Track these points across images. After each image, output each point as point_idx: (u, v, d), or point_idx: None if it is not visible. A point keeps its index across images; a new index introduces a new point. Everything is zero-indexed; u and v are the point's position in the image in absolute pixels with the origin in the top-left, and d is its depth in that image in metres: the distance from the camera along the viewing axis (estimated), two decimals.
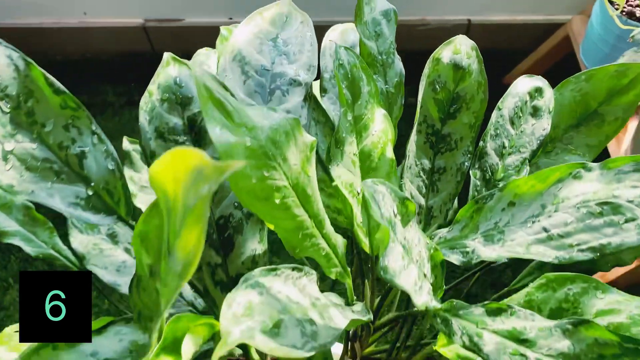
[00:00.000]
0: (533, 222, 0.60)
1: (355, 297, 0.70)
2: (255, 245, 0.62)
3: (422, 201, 0.78)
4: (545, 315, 0.68)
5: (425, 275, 0.62)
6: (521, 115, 0.76)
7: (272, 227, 0.59)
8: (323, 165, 0.75)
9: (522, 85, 0.76)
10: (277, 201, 0.56)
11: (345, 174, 0.73)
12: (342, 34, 0.98)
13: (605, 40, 1.28)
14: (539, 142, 0.76)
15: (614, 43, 1.26)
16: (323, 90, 0.83)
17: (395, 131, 0.84)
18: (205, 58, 0.76)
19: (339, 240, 0.64)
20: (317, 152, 0.75)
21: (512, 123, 0.76)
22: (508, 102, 0.75)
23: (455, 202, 0.80)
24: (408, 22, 1.69)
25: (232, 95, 0.53)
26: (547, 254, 0.57)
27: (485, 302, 0.63)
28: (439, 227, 0.78)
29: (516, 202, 0.63)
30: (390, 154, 0.76)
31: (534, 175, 0.62)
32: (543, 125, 0.76)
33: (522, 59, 1.72)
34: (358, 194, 0.75)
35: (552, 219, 0.59)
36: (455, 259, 0.65)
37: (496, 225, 0.64)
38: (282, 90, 0.69)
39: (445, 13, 1.70)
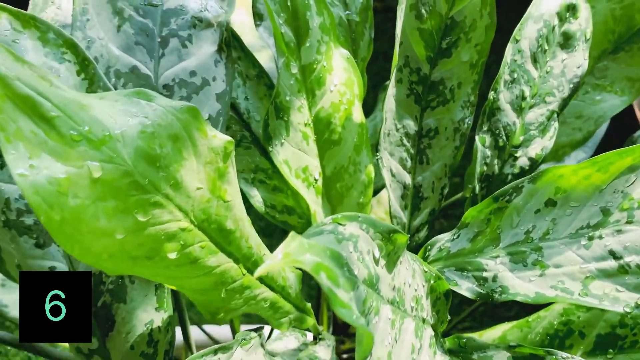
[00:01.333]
0: (590, 237, 0.38)
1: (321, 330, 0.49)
2: (152, 315, 0.39)
3: (407, 179, 0.55)
4: (591, 341, 0.48)
5: (424, 321, 0.40)
6: (547, 47, 0.51)
7: (173, 287, 0.36)
8: (259, 147, 0.50)
9: (549, 2, 0.51)
10: (173, 256, 0.32)
11: (294, 156, 0.49)
12: None
13: None
14: (572, 86, 0.52)
15: None
16: (258, 16, 0.56)
17: (364, 79, 0.59)
18: None
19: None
20: (248, 127, 0.50)
21: (535, 60, 0.51)
22: (528, 30, 0.51)
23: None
24: None
25: (55, 85, 0.27)
26: (622, 298, 0.35)
27: (511, 344, 0.42)
28: (431, 213, 0.56)
29: (559, 201, 0.40)
30: (358, 116, 0.52)
31: (589, 161, 0.39)
32: (577, 61, 0.52)
33: None
34: (316, 180, 0.51)
35: (625, 236, 0.37)
36: (467, 288, 0.43)
37: (528, 237, 0.41)
38: (181, 38, 0.43)
39: None
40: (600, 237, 0.38)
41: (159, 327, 0.38)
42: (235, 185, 0.34)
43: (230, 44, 0.44)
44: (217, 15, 0.44)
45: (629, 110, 0.88)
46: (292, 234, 0.25)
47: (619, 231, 0.37)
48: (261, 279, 0.38)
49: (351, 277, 0.29)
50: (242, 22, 0.75)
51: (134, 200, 0.29)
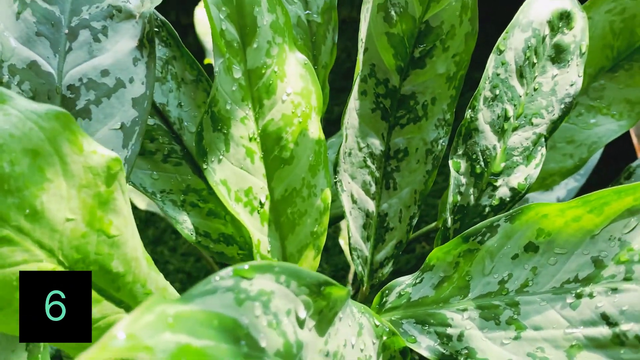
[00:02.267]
0: (577, 294, 0.31)
1: None
2: None
3: (371, 206, 0.48)
4: None
5: None
6: (536, 61, 0.44)
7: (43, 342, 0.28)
8: (192, 163, 0.43)
9: (539, 8, 0.44)
10: None
11: (235, 175, 0.42)
12: None
13: None
14: (562, 106, 0.45)
15: None
16: None
17: (325, 90, 0.52)
18: None
19: None
20: (179, 140, 0.43)
21: (521, 75, 0.44)
22: (515, 40, 0.44)
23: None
24: None
25: None
26: None
27: None
28: (398, 246, 0.48)
29: (541, 247, 0.33)
30: (315, 131, 0.45)
31: (579, 200, 0.31)
32: (570, 78, 0.45)
33: None
34: (262, 205, 0.44)
35: (622, 297, 0.30)
36: (427, 346, 0.35)
37: (503, 287, 0.34)
38: (93, 30, 0.36)
39: None
40: (591, 296, 0.30)
41: None
42: (125, 216, 0.27)
43: (154, 40, 0.36)
44: (141, 5, 0.36)
45: (625, 135, 0.81)
46: (153, 296, 0.18)
47: (615, 290, 0.30)
48: None
49: (251, 354, 0.21)
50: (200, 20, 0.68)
51: None
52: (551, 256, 0.33)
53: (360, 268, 0.48)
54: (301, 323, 0.25)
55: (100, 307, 0.27)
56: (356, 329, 0.31)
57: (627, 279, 0.30)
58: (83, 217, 0.25)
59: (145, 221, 0.90)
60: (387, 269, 0.49)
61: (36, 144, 0.23)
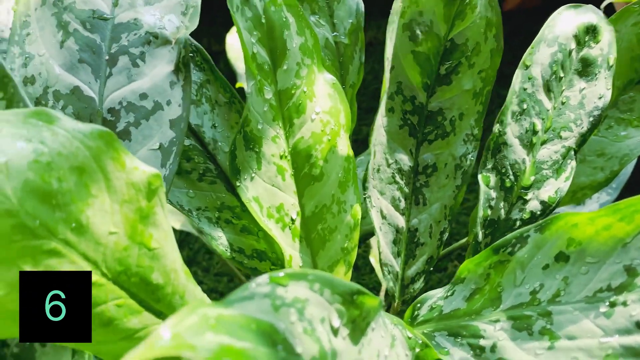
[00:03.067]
0: (612, 303, 0.31)
1: None
2: None
3: (401, 221, 0.48)
4: None
5: None
6: (563, 75, 0.45)
7: (89, 352, 0.29)
8: (226, 181, 0.44)
9: (564, 23, 0.44)
10: None
11: (267, 192, 0.43)
12: None
13: None
14: (591, 119, 0.45)
15: None
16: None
17: (353, 109, 0.53)
18: None
19: None
20: (214, 159, 0.44)
21: (548, 90, 0.45)
22: (541, 55, 0.44)
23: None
24: None
25: None
26: None
27: None
28: (429, 261, 0.49)
29: (572, 256, 0.33)
30: (344, 149, 0.46)
31: (609, 208, 0.32)
32: (598, 91, 0.45)
33: None
34: (293, 221, 0.45)
35: None
36: (460, 358, 0.35)
37: (534, 298, 0.34)
38: (132, 56, 0.38)
39: None
40: (625, 304, 0.30)
41: None
42: (165, 230, 0.28)
43: (189, 64, 0.38)
44: (176, 31, 0.38)
45: None
46: (198, 300, 0.19)
47: None
48: None
49: (288, 358, 0.22)
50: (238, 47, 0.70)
51: (19, 248, 0.23)
52: (582, 265, 0.33)
53: (391, 284, 0.49)
54: (335, 331, 0.26)
55: (141, 318, 0.28)
56: (389, 341, 0.32)
57: None
58: (125, 231, 0.26)
59: (179, 242, 0.92)
60: (419, 284, 0.49)
61: (82, 162, 0.25)
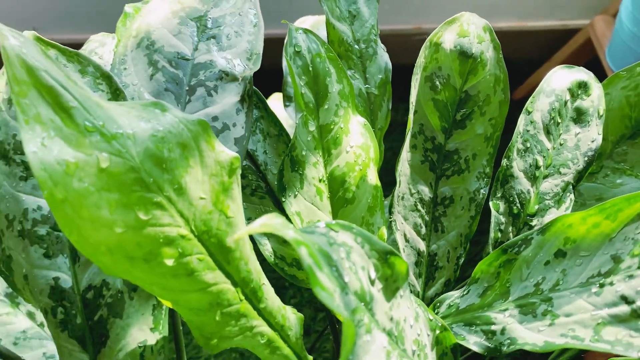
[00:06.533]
0: (601, 284, 0.37)
1: None
2: (146, 335, 0.38)
3: (422, 246, 0.55)
4: None
5: None
6: (560, 121, 0.53)
7: (169, 304, 0.35)
8: (273, 197, 0.51)
9: (560, 79, 0.53)
10: (170, 262, 0.32)
11: (307, 209, 0.50)
12: (313, 28, 0.76)
13: None
14: (586, 159, 0.53)
15: None
16: (287, 98, 0.61)
17: (380, 147, 0.61)
18: (97, 46, 0.53)
19: (292, 317, 0.41)
20: (264, 179, 0.52)
21: (548, 132, 0.53)
22: (541, 103, 0.53)
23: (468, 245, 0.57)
24: (401, 31, 1.48)
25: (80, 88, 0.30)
26: (635, 344, 0.33)
27: None
28: (447, 284, 0.55)
29: (568, 252, 0.39)
30: (373, 178, 0.53)
31: (597, 208, 0.38)
32: (591, 136, 0.53)
33: (533, 70, 1.50)
34: None
35: (637, 281, 0.35)
36: (474, 342, 0.41)
37: (538, 289, 0.40)
38: (207, 88, 0.47)
39: (444, 20, 1.48)
40: (612, 284, 0.36)
41: (151, 348, 0.37)
42: (238, 204, 0.35)
43: (252, 96, 0.47)
44: (242, 71, 0.48)
45: None
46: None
47: (631, 276, 0.36)
48: (259, 311, 0.38)
49: (339, 279, 0.28)
50: (273, 106, 0.80)
51: (137, 197, 0.31)
52: (577, 259, 0.39)
53: None
54: (372, 282, 0.32)
55: (215, 275, 0.35)
56: (414, 314, 0.38)
57: None
58: (211, 198, 0.34)
59: None
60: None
61: (185, 140, 0.33)
